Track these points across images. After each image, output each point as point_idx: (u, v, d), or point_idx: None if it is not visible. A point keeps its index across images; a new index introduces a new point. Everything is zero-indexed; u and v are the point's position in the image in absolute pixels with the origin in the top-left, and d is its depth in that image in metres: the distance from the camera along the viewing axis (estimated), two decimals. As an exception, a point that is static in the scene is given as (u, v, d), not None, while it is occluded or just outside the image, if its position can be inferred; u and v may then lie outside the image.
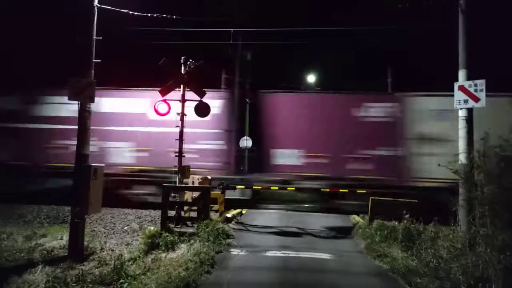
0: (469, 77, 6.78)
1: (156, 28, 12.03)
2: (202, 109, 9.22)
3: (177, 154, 9.19)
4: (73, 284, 4.98)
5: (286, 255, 6.77)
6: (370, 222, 8.83)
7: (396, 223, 7.85)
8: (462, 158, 6.52)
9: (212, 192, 9.13)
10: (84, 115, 6.69)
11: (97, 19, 6.91)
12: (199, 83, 9.41)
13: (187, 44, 12.97)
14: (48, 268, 5.48)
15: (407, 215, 7.70)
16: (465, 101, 6.72)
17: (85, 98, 6.62)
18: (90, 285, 4.94)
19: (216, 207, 10.20)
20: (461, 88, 6.79)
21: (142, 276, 5.23)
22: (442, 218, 6.50)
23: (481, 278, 4.51)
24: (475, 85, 6.61)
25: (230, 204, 11.44)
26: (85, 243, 6.69)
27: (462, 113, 6.86)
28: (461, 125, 6.84)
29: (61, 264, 5.84)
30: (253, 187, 12.29)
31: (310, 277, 5.66)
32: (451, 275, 4.92)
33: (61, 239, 7.36)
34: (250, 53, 19.41)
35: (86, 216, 6.60)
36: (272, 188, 12.31)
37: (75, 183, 6.48)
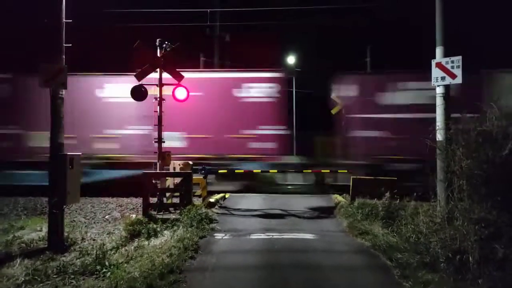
0: (446, 54, 6.83)
1: (130, 10, 11.61)
2: (180, 93, 9.03)
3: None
4: (54, 276, 4.86)
5: (270, 237, 6.81)
6: (352, 201, 8.96)
7: (377, 201, 7.99)
8: (440, 133, 6.62)
9: (194, 177, 9.06)
10: (57, 103, 6.42)
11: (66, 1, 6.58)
12: (177, 66, 9.18)
13: (164, 27, 12.61)
14: (28, 261, 5.36)
15: (387, 193, 7.85)
16: (442, 78, 6.78)
17: (56, 85, 6.36)
18: (72, 276, 4.83)
19: (198, 192, 10.14)
20: (438, 65, 6.84)
21: (125, 265, 5.16)
22: (422, 194, 6.63)
23: (459, 251, 4.64)
24: (452, 61, 6.67)
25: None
26: (65, 234, 6.54)
27: (439, 90, 6.93)
28: (439, 102, 6.92)
29: (41, 256, 5.69)
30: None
31: (294, 258, 5.71)
32: (430, 249, 5.05)
33: (40, 230, 7.18)
34: (228, 35, 19.08)
35: (64, 206, 6.43)
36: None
37: (51, 173, 6.28)
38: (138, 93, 8.78)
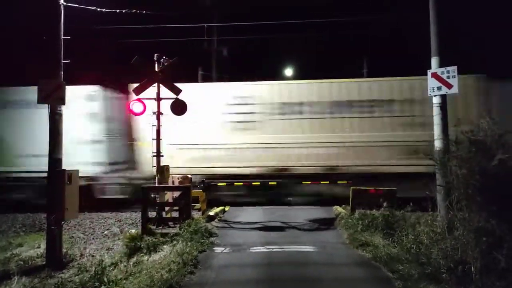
0: (441, 64, 6.89)
1: (127, 26, 11.74)
2: (178, 107, 9.07)
3: (155, 154, 9.03)
4: (52, 294, 4.83)
5: (270, 250, 6.76)
6: (352, 212, 8.92)
7: (377, 211, 7.96)
8: (437, 144, 6.64)
9: (193, 191, 9.03)
10: (55, 118, 6.45)
11: (64, 18, 6.67)
12: (175, 80, 9.25)
13: (161, 42, 12.73)
14: (25, 279, 5.33)
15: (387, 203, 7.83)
16: (439, 88, 6.84)
17: (55, 101, 6.39)
18: (70, 293, 4.80)
19: (198, 206, 10.10)
20: (434, 75, 6.90)
21: (124, 281, 5.11)
22: (421, 205, 6.62)
23: (460, 261, 4.60)
24: (448, 71, 6.73)
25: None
26: (64, 250, 6.51)
27: (436, 100, 6.98)
28: (436, 112, 6.96)
29: (39, 273, 5.69)
30: None
31: (295, 271, 5.66)
32: (432, 259, 5.01)
33: (38, 247, 7.13)
34: (226, 48, 19.27)
35: (62, 222, 6.40)
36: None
37: (49, 189, 6.26)
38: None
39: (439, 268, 4.78)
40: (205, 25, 12.94)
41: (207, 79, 19.06)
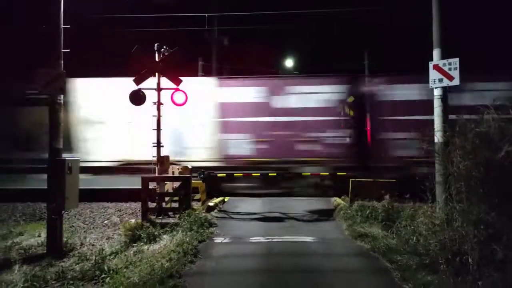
0: (443, 56, 6.86)
1: (128, 14, 11.65)
2: (178, 97, 9.03)
3: (155, 144, 9.02)
4: (53, 282, 4.88)
5: (270, 240, 6.80)
6: (351, 203, 8.95)
7: (376, 203, 7.99)
8: (438, 136, 6.64)
9: (193, 181, 9.04)
10: (55, 108, 6.42)
11: (64, 6, 6.61)
12: (176, 71, 9.17)
13: (161, 31, 12.65)
14: (26, 267, 5.35)
15: (387, 195, 7.86)
16: (440, 80, 6.81)
17: (55, 90, 6.36)
18: (71, 282, 4.83)
19: (198, 196, 10.12)
20: (436, 67, 6.87)
21: (125, 270, 5.15)
22: (420, 196, 6.64)
23: (458, 252, 4.64)
24: (449, 63, 6.70)
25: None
26: (64, 239, 6.54)
27: (437, 92, 6.95)
28: (437, 103, 6.94)
29: (40, 262, 5.71)
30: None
31: (294, 261, 5.70)
32: (430, 250, 5.05)
33: (39, 236, 7.16)
34: (227, 39, 19.13)
35: (63, 212, 6.42)
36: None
37: (50, 179, 6.27)
38: (137, 98, 8.78)
39: (437, 259, 4.82)
40: (206, 14, 12.83)
41: (207, 69, 18.99)
